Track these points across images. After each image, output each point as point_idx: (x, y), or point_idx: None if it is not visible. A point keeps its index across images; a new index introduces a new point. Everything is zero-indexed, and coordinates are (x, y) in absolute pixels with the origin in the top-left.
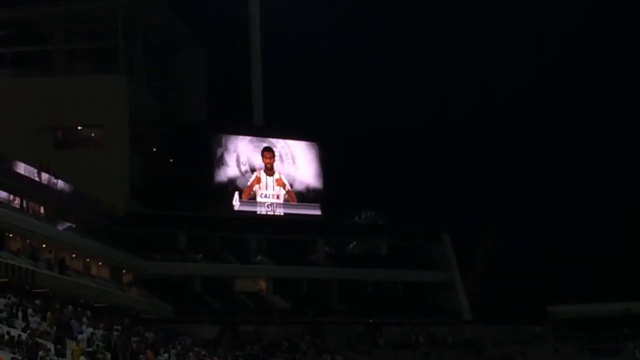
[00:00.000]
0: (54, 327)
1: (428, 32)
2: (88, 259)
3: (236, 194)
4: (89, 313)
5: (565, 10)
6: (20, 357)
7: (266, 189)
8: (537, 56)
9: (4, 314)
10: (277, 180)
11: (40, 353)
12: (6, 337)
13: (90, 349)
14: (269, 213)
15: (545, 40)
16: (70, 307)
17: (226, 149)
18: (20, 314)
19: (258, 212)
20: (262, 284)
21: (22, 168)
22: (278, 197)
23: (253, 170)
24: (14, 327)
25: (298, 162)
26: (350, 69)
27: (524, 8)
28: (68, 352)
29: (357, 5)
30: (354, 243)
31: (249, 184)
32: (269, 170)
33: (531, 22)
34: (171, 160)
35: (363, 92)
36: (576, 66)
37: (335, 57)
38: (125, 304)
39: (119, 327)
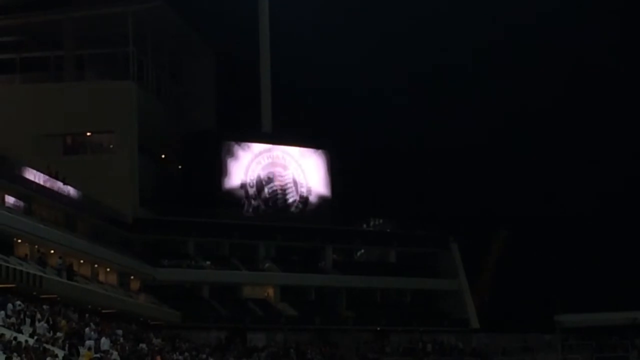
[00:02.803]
0: (64, 333)
1: (433, 34)
2: (96, 265)
3: (244, 201)
4: (97, 319)
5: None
6: None
7: (277, 204)
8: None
9: (12, 320)
10: (286, 191)
11: (48, 359)
12: (14, 342)
13: (97, 356)
14: (277, 220)
15: (545, 47)
16: (76, 314)
17: (235, 156)
18: (28, 319)
19: (267, 220)
20: (270, 291)
21: (31, 174)
22: (285, 205)
23: (261, 177)
24: (22, 333)
25: (307, 170)
26: (358, 77)
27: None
28: (79, 359)
29: (366, 14)
30: (362, 251)
31: (259, 197)
32: (279, 181)
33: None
34: (180, 166)
35: (371, 99)
36: (581, 72)
37: (345, 65)
38: (133, 310)
39: (127, 333)
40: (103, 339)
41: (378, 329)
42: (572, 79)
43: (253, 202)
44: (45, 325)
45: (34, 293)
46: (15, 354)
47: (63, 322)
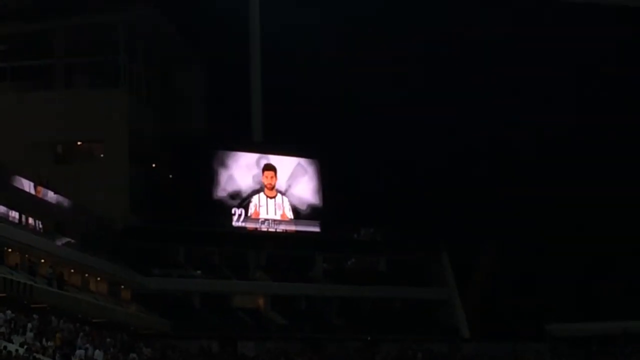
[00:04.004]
0: (55, 344)
1: (429, 53)
2: (87, 274)
3: (235, 210)
4: (87, 328)
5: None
6: None
7: (267, 213)
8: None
9: (2, 329)
10: (276, 201)
11: None
12: (4, 352)
13: None
14: (268, 229)
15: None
16: (69, 324)
17: (225, 165)
18: (19, 329)
19: (257, 229)
20: (261, 300)
21: (21, 182)
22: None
23: (252, 187)
24: (12, 342)
25: (298, 179)
26: (350, 86)
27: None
28: None
29: (360, 23)
30: (353, 259)
31: (251, 206)
32: (270, 191)
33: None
34: (171, 175)
35: (362, 108)
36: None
37: (335, 74)
38: (123, 320)
39: (118, 343)
40: (97, 351)
41: (368, 338)
42: (573, 89)
43: (243, 210)
44: (36, 334)
45: (25, 302)
46: None
47: (58, 335)
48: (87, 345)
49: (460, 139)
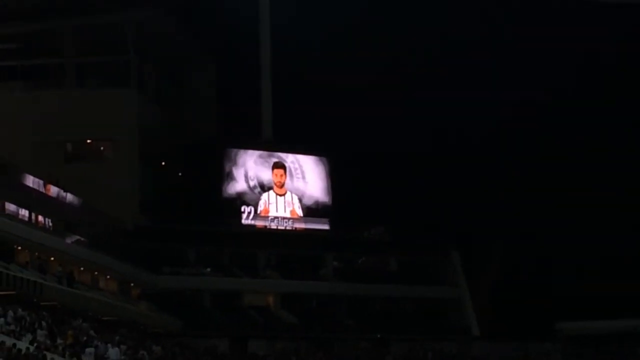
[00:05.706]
0: (66, 342)
1: (440, 50)
2: (96, 273)
3: (244, 208)
4: (96, 326)
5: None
6: None
7: (276, 210)
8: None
9: (12, 327)
10: (285, 198)
11: None
12: (13, 350)
13: None
14: (278, 228)
15: (554, 62)
16: (84, 323)
17: (235, 164)
18: (28, 326)
19: (267, 227)
20: (271, 299)
21: (31, 181)
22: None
23: (262, 185)
24: (22, 340)
25: (307, 177)
26: (361, 84)
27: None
28: None
29: (369, 22)
30: (363, 258)
31: (260, 204)
32: (279, 189)
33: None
34: (180, 174)
35: (373, 107)
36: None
37: (345, 73)
38: (133, 318)
39: (127, 341)
40: (110, 349)
41: (378, 336)
42: (576, 79)
43: (253, 209)
44: (46, 332)
45: (34, 300)
46: None
47: (70, 332)
48: (98, 343)
49: (470, 139)
